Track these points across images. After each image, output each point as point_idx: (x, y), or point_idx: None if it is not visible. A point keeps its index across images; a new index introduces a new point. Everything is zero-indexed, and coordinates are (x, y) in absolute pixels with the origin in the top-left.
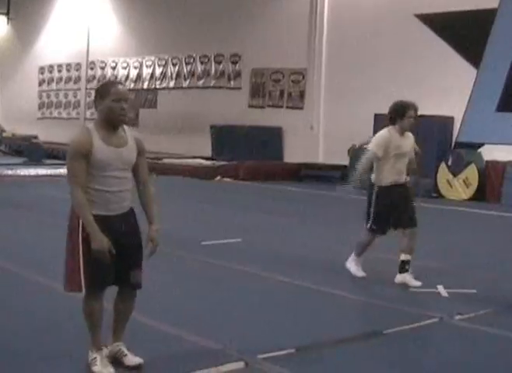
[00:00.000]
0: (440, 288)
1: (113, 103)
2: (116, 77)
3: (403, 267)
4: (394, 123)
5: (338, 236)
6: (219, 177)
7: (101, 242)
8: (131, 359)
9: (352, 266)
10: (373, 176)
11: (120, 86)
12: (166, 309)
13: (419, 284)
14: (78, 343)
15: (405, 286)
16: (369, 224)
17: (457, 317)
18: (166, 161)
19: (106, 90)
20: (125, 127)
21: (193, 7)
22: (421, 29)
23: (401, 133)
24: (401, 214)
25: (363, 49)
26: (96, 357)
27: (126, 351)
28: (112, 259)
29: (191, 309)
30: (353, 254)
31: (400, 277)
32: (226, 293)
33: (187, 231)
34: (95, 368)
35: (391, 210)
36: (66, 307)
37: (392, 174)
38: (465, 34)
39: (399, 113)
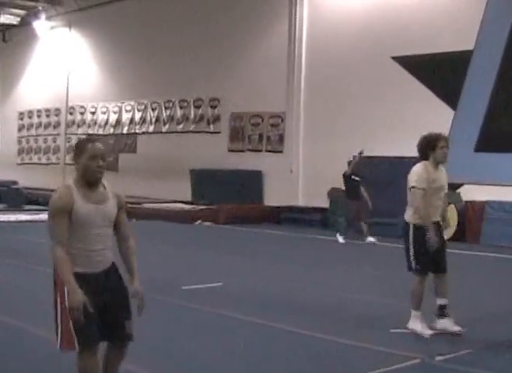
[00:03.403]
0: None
1: (89, 161)
2: (95, 122)
3: (443, 312)
4: (427, 157)
5: (317, 278)
6: (199, 221)
7: (75, 300)
8: None
9: (417, 325)
10: (407, 215)
11: (96, 144)
12: (141, 354)
13: (458, 328)
14: None
15: (383, 327)
16: (413, 266)
17: (438, 358)
18: (145, 205)
19: (82, 147)
20: (105, 182)
21: (171, 52)
22: (398, 71)
23: (436, 166)
24: (438, 255)
25: (341, 91)
26: None
27: None
28: (92, 317)
29: (169, 354)
30: (412, 310)
31: (441, 323)
32: (206, 338)
33: (167, 275)
34: None
35: (429, 249)
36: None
37: (429, 211)
38: (442, 75)
39: (430, 146)
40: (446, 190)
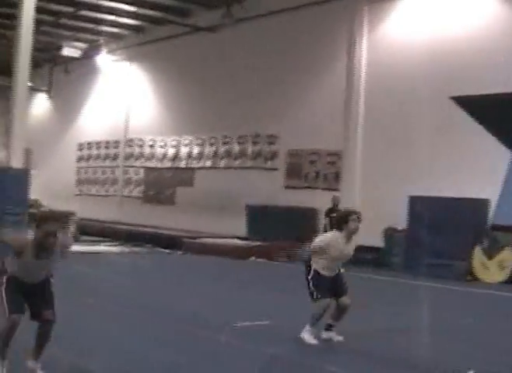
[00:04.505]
0: None
1: (43, 238)
2: (153, 155)
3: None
4: (341, 229)
5: (376, 319)
6: (253, 257)
7: None
8: None
9: None
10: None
11: (52, 222)
12: None
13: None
14: None
15: None
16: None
17: None
18: (201, 240)
19: (40, 222)
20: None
21: (230, 88)
22: (457, 111)
23: (348, 237)
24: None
25: (399, 130)
26: None
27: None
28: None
29: None
30: None
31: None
32: None
33: (218, 311)
34: None
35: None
36: None
37: (327, 270)
38: (500, 116)
39: (343, 220)
40: (350, 257)
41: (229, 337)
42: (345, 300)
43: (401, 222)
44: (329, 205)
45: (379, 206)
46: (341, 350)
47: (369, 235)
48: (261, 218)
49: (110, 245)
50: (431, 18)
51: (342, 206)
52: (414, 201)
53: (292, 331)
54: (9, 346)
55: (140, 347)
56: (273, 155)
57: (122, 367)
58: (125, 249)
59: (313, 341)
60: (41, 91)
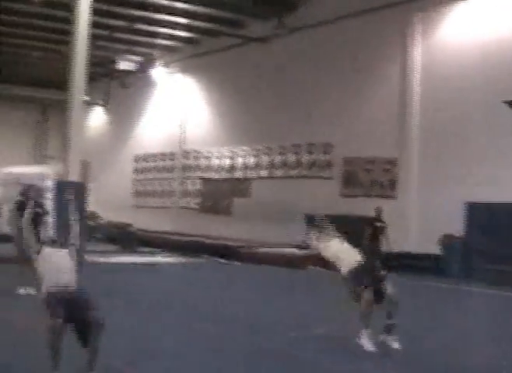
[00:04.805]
0: None
1: None
2: (209, 166)
3: None
4: None
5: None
6: (311, 266)
7: None
8: None
9: None
10: None
11: None
12: None
13: None
14: None
15: None
16: None
17: None
18: (258, 250)
19: None
20: None
21: (283, 98)
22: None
23: None
24: None
25: (455, 135)
26: None
27: None
28: None
29: None
30: None
31: None
32: None
33: (273, 320)
34: None
35: None
36: None
37: None
38: None
39: None
40: None
41: (293, 348)
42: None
43: (458, 229)
44: (402, 213)
45: (436, 213)
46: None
47: (427, 242)
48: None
49: (167, 256)
50: (483, 23)
51: (397, 214)
52: (472, 207)
53: (347, 340)
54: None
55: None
56: (328, 164)
57: None
58: (182, 259)
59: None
60: (98, 104)
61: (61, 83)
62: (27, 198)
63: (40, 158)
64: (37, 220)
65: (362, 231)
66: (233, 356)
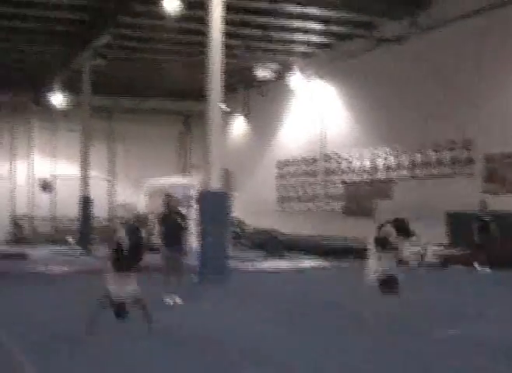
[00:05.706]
0: None
1: None
2: (351, 168)
3: None
4: None
5: None
6: (454, 265)
7: None
8: None
9: None
10: None
11: None
12: None
13: None
14: None
15: None
16: None
17: None
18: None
19: None
20: None
21: (421, 96)
22: None
23: None
24: None
25: None
26: None
27: None
28: None
29: None
30: None
31: None
32: None
33: (416, 320)
34: None
35: None
36: None
37: None
38: None
39: None
40: None
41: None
42: None
43: None
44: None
45: None
46: None
47: None
48: (463, 225)
49: (314, 260)
50: None
51: None
52: None
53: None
54: None
55: None
56: (469, 161)
57: None
58: (328, 263)
59: None
60: (239, 114)
61: (201, 94)
62: (169, 209)
63: (185, 169)
64: None
65: (506, 227)
66: None
